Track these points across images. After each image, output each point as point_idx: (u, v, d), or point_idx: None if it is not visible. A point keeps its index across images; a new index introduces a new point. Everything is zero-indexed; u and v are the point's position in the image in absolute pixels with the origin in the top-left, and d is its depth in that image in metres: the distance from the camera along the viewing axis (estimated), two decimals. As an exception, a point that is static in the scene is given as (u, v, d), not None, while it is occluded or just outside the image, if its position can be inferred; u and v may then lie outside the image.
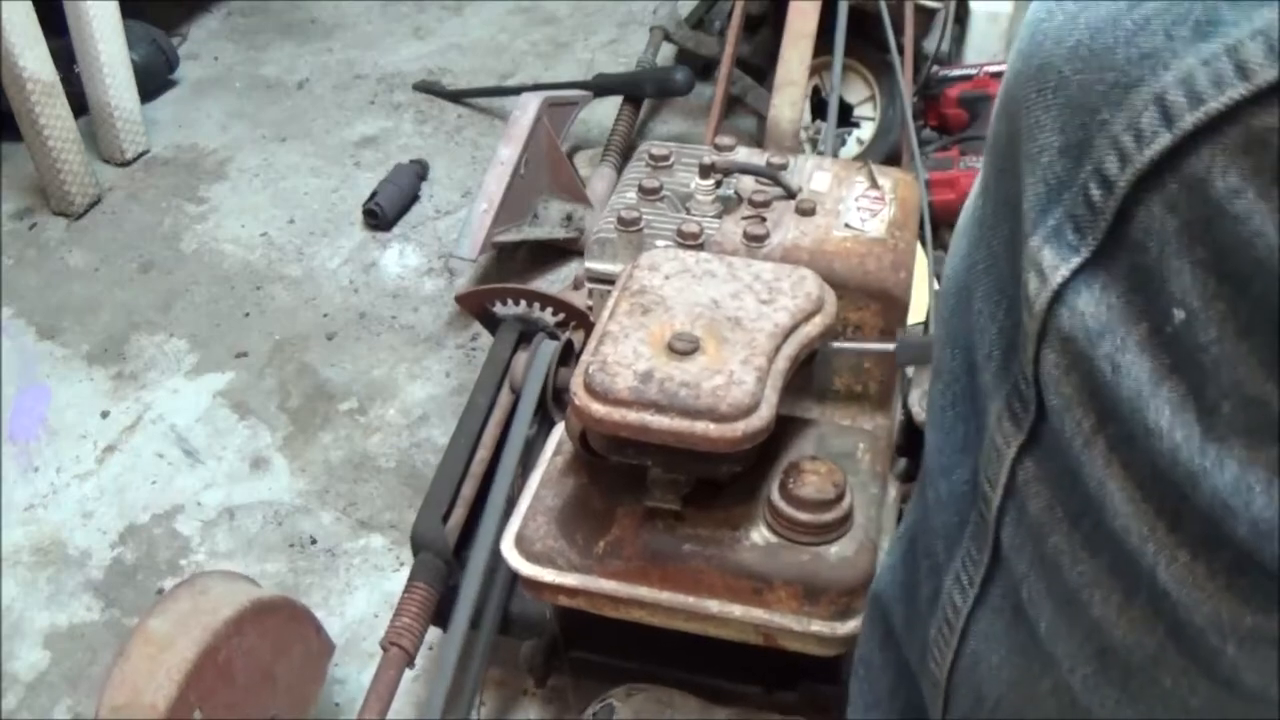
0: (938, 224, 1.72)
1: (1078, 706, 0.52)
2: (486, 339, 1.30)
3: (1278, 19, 0.36)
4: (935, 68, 1.91)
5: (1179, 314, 0.40)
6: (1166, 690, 0.48)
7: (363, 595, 1.30)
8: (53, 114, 1.84)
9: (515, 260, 1.78)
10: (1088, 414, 0.45)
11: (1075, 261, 0.43)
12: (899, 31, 1.68)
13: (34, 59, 1.78)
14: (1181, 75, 0.38)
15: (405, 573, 1.05)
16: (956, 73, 1.89)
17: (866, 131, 1.85)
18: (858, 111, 1.86)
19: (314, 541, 1.37)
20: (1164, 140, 0.39)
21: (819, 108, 1.77)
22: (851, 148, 1.84)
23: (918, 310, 1.33)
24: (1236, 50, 0.37)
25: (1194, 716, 0.48)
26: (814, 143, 1.71)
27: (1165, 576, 0.44)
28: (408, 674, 1.02)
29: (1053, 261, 0.44)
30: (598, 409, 0.73)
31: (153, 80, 2.17)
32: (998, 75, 1.85)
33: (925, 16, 1.86)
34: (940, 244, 1.73)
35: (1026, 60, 0.45)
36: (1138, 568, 0.45)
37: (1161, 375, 0.42)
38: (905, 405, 1.00)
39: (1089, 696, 0.51)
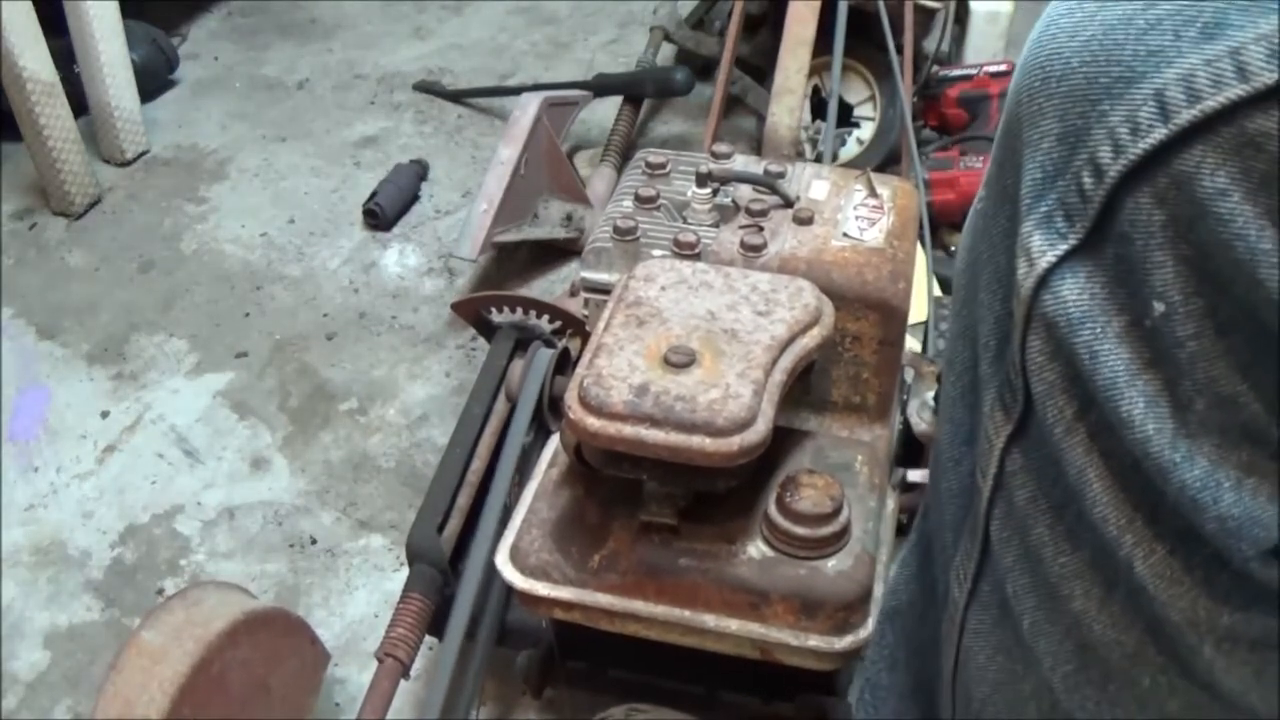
0: (937, 224, 1.72)
1: (1059, 709, 0.53)
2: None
3: None
4: (935, 68, 1.90)
5: (1159, 306, 0.41)
6: (1145, 691, 0.48)
7: (363, 595, 1.31)
8: (53, 114, 1.84)
9: (515, 260, 1.78)
10: (1070, 401, 0.45)
11: (1062, 248, 0.44)
12: (898, 32, 1.68)
13: (34, 59, 1.78)
14: (1183, 73, 0.39)
15: (405, 573, 1.05)
16: (956, 73, 1.89)
17: (866, 131, 1.84)
18: (858, 111, 1.86)
19: (314, 541, 1.37)
20: (1158, 134, 0.39)
21: (819, 108, 1.77)
22: (851, 148, 1.84)
23: (917, 311, 1.33)
24: (1239, 53, 0.37)
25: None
26: (814, 143, 1.70)
27: (1143, 569, 0.44)
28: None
29: (1041, 246, 0.45)
30: (592, 423, 0.73)
31: (153, 80, 2.17)
32: (998, 75, 1.85)
33: (925, 16, 1.85)
34: (940, 245, 1.73)
35: (1037, 51, 0.46)
36: (1116, 560, 0.45)
37: (1138, 367, 0.42)
38: (904, 415, 1.00)
39: (1069, 698, 0.52)
